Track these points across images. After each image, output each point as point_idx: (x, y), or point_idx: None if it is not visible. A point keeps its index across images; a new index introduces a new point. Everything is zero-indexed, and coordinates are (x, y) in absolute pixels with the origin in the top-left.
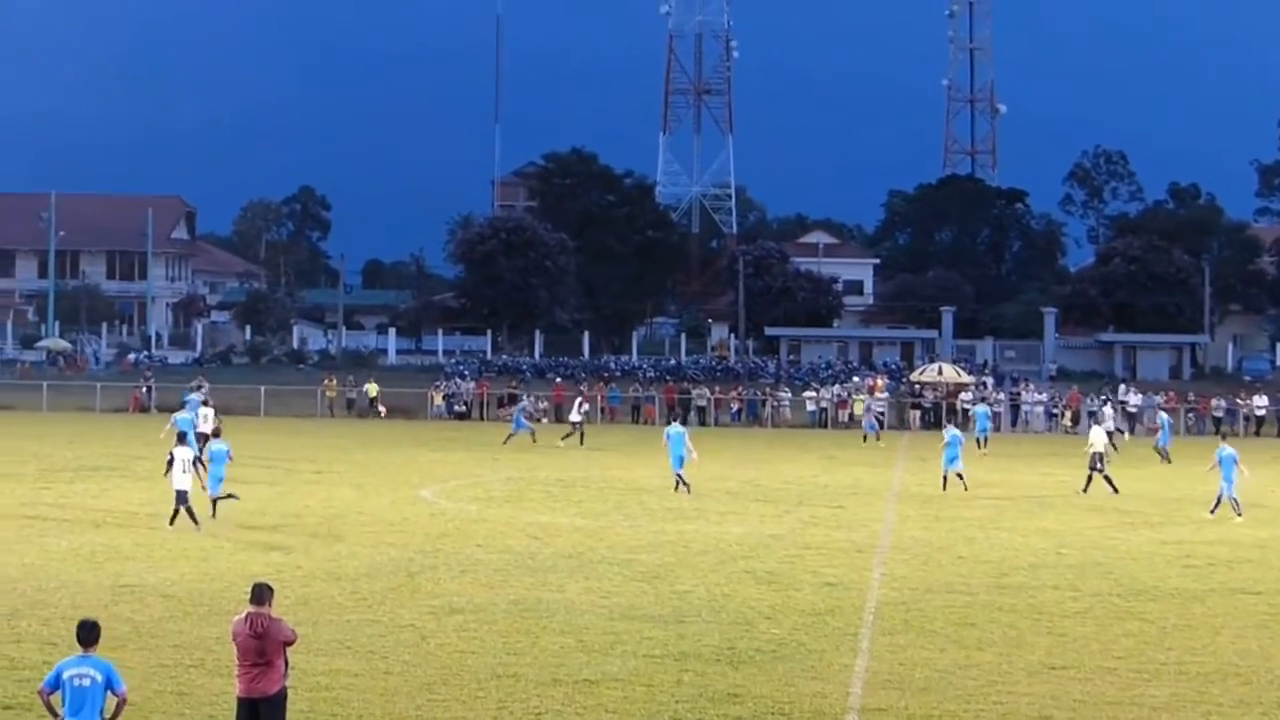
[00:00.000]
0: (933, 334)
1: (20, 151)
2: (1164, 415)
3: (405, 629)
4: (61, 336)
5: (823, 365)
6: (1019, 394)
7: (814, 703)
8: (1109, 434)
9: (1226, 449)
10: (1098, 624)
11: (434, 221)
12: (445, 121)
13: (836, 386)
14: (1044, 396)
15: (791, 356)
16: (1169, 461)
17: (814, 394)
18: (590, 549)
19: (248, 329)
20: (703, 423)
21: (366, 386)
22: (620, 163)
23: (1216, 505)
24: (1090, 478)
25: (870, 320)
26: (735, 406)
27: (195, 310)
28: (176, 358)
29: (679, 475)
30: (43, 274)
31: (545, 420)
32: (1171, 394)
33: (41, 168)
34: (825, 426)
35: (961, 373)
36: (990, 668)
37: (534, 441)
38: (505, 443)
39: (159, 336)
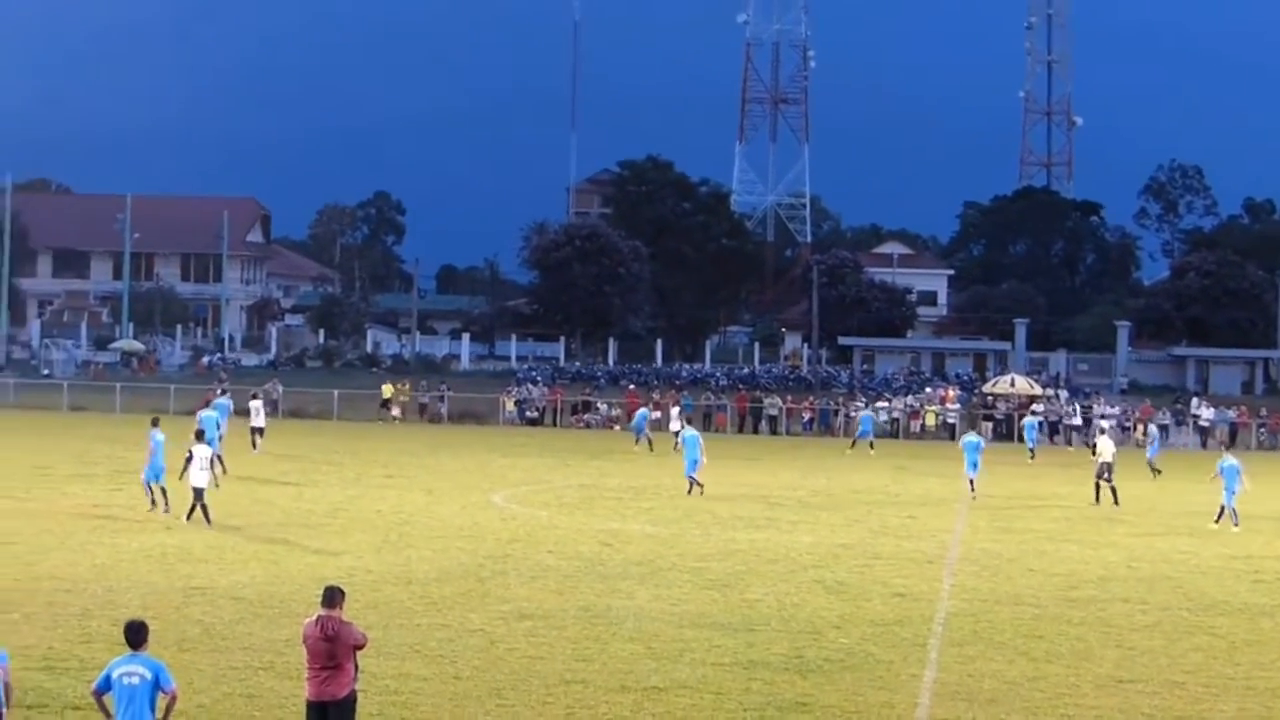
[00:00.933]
0: (1005, 346)
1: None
2: (1154, 429)
3: (475, 634)
4: (136, 338)
5: (895, 375)
6: (1090, 407)
7: (882, 713)
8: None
9: (1229, 459)
10: (1166, 638)
11: (508, 227)
12: (521, 128)
13: (909, 397)
14: (1116, 410)
15: (865, 366)
16: (1158, 473)
17: (886, 404)
18: (660, 556)
19: (321, 332)
20: (774, 432)
21: (382, 388)
22: (696, 171)
23: (1220, 515)
24: (1098, 487)
25: (943, 331)
26: (807, 416)
27: (269, 313)
28: (250, 360)
29: (691, 478)
30: (117, 275)
31: (618, 428)
32: (1243, 408)
33: (117, 170)
34: (897, 437)
35: (1034, 385)
36: (1058, 680)
37: (650, 450)
38: (638, 444)
39: (233, 339)
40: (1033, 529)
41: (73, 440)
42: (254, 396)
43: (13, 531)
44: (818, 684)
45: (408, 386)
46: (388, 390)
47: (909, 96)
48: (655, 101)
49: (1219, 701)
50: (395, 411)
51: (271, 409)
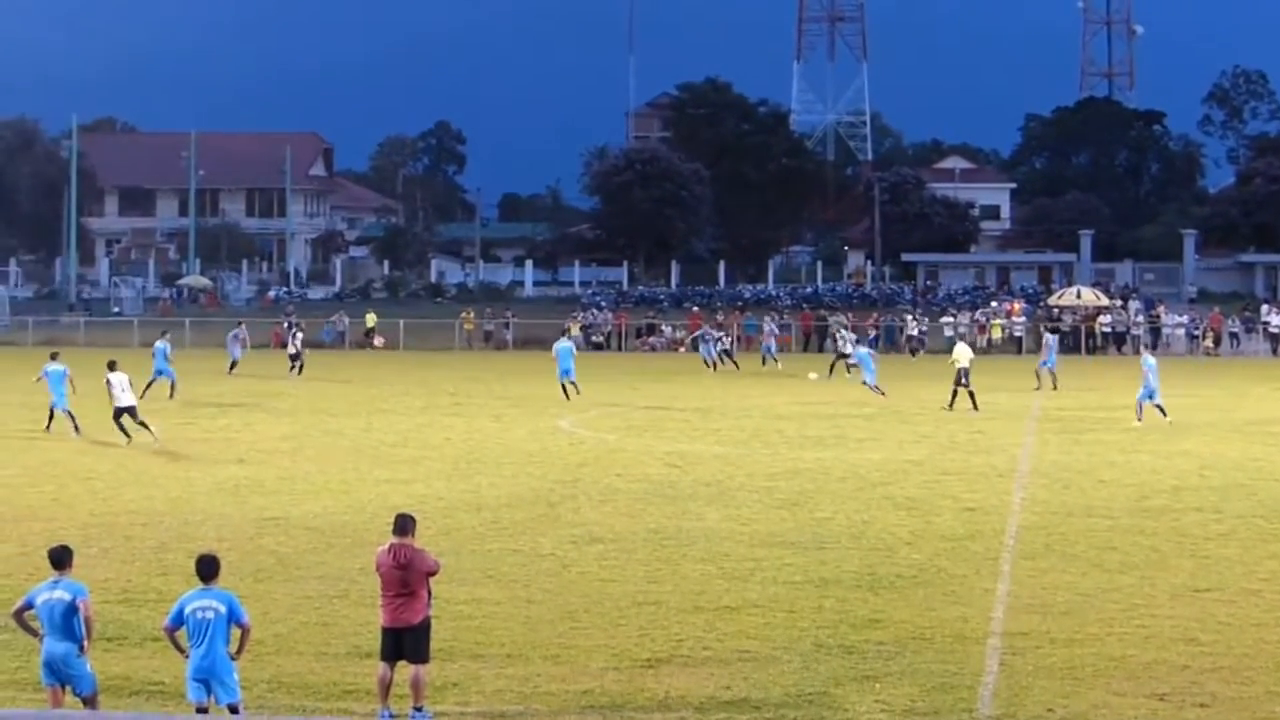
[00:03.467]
0: (1071, 258)
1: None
2: (1050, 336)
3: (546, 558)
4: (202, 274)
5: (960, 291)
6: (1158, 316)
7: (955, 627)
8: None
9: (1149, 359)
10: (1241, 546)
11: (569, 154)
12: (579, 53)
13: (974, 311)
14: (1184, 319)
15: (928, 282)
16: (1055, 388)
17: (951, 319)
18: (729, 477)
19: (386, 264)
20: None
21: (366, 316)
22: (754, 91)
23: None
24: (955, 394)
25: (1007, 245)
26: (872, 333)
27: (334, 246)
28: (316, 293)
29: (565, 384)
30: (183, 212)
31: (683, 350)
32: None
33: (181, 107)
34: None
35: (1101, 296)
36: (1132, 591)
37: (714, 370)
38: (714, 369)
39: (298, 272)
40: (1102, 440)
41: (143, 376)
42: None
43: (88, 468)
44: (890, 600)
45: (472, 315)
46: (370, 319)
47: (966, 9)
48: (712, 23)
49: None
50: (379, 342)
51: (339, 339)
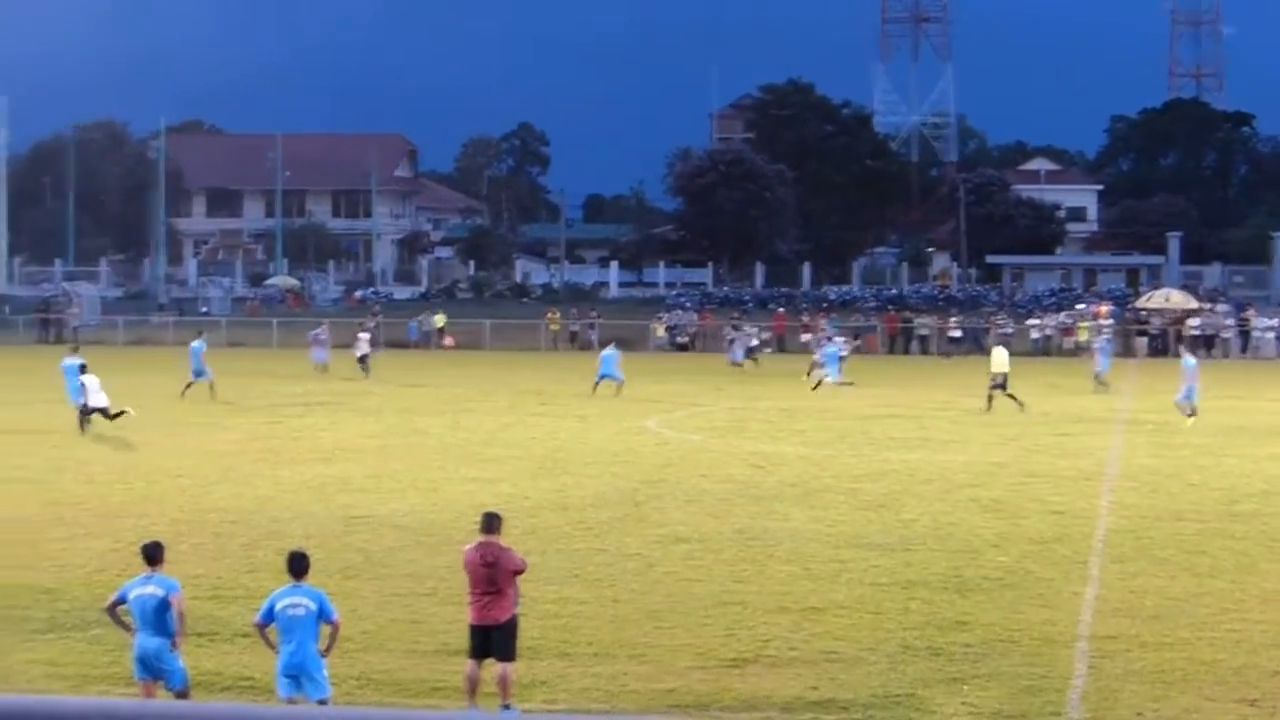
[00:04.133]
0: (1159, 260)
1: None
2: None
3: (632, 557)
4: (289, 274)
5: (1046, 293)
6: (1247, 319)
7: (1043, 630)
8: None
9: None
10: None
11: (653, 155)
12: (662, 54)
13: (1060, 314)
14: (1274, 322)
15: (1014, 284)
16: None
17: (1037, 322)
18: (814, 478)
19: (471, 264)
20: (925, 352)
21: (434, 317)
22: (837, 93)
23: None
24: (991, 398)
25: (1094, 247)
26: (957, 335)
27: (419, 246)
28: (402, 293)
29: (606, 383)
30: (270, 213)
31: (769, 350)
32: None
33: (267, 109)
34: (1049, 354)
35: (1190, 299)
36: (1222, 595)
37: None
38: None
39: (384, 273)
40: (1191, 444)
41: (231, 376)
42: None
43: (178, 466)
44: (977, 603)
45: (558, 315)
46: (440, 319)
47: (1051, 10)
48: (795, 24)
49: None
50: (449, 342)
51: (425, 339)
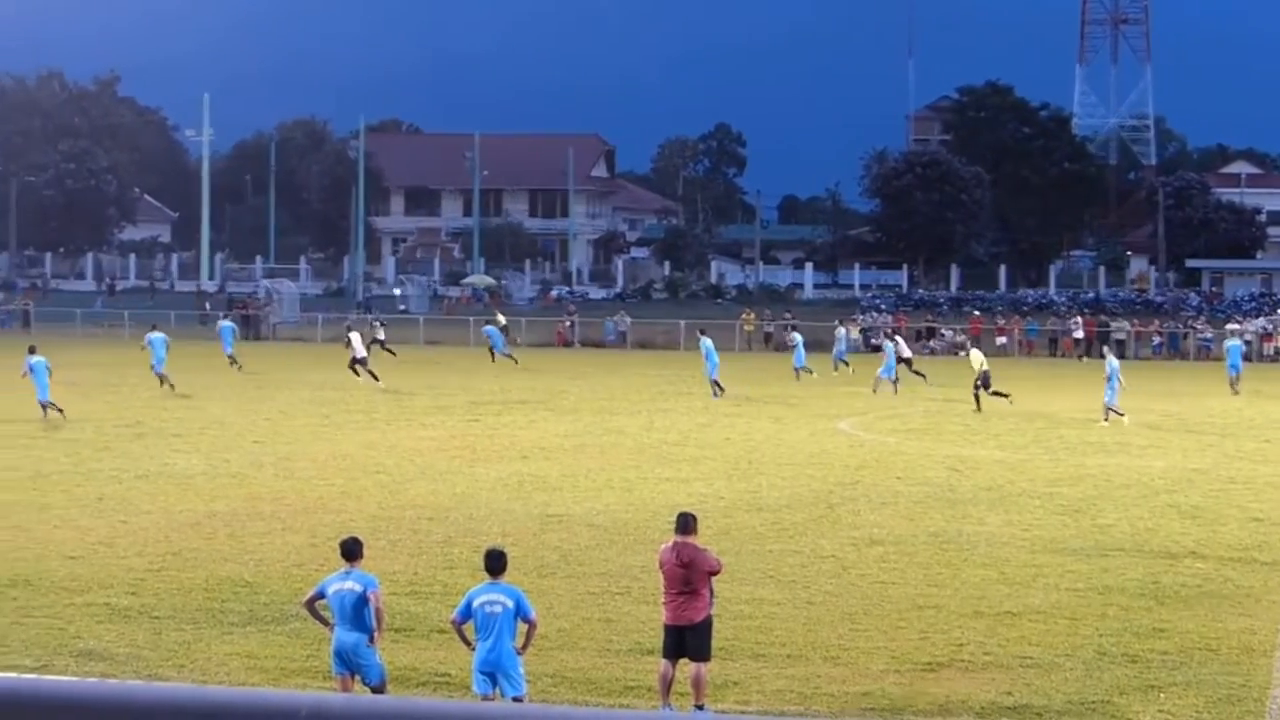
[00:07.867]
0: None
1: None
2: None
3: (826, 559)
4: (486, 273)
5: (1246, 298)
6: None
7: (1242, 639)
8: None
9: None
10: None
11: (849, 156)
12: (859, 56)
13: (1261, 319)
14: None
15: (1213, 289)
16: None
17: (1237, 327)
18: (1010, 482)
19: (666, 264)
20: (1122, 355)
21: (499, 317)
22: (1035, 95)
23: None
24: (978, 397)
25: None
26: (1156, 339)
27: (615, 246)
28: (597, 293)
29: (714, 381)
30: (467, 212)
31: (963, 353)
32: None
33: (465, 109)
34: (1250, 360)
35: None
36: None
37: (835, 371)
38: (835, 370)
39: (580, 272)
40: None
41: (429, 373)
42: (348, 329)
43: (377, 462)
44: (1175, 610)
45: (753, 316)
46: (502, 318)
47: (1253, 11)
48: (993, 26)
49: None
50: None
51: (620, 339)
